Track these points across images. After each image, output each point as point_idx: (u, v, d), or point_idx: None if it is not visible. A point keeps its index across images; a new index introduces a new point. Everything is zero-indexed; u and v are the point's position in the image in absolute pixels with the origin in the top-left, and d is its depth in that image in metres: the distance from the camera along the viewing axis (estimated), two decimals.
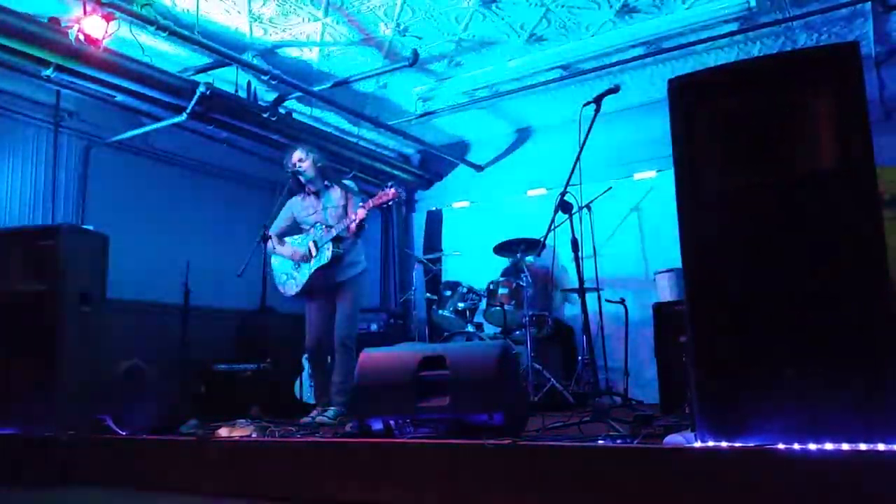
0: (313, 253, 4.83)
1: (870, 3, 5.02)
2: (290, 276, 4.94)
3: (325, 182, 4.99)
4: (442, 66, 6.07)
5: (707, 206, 2.56)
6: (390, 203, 4.80)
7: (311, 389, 5.57)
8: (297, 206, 5.06)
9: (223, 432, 3.68)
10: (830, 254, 2.34)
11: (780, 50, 5.69)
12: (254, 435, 3.63)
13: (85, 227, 4.86)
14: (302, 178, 4.93)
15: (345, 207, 4.86)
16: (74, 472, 3.68)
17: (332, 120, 7.04)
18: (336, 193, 4.94)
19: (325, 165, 5.03)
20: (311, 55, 5.74)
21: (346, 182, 5.05)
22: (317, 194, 5.01)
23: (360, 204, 4.72)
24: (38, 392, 3.95)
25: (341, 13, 5.11)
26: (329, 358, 4.95)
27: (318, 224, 4.88)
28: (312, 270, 4.81)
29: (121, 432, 3.85)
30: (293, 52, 5.70)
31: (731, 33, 5.45)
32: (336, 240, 4.78)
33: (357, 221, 4.67)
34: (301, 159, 4.94)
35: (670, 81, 2.69)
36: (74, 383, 4.03)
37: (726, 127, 2.61)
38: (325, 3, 4.97)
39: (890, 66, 5.64)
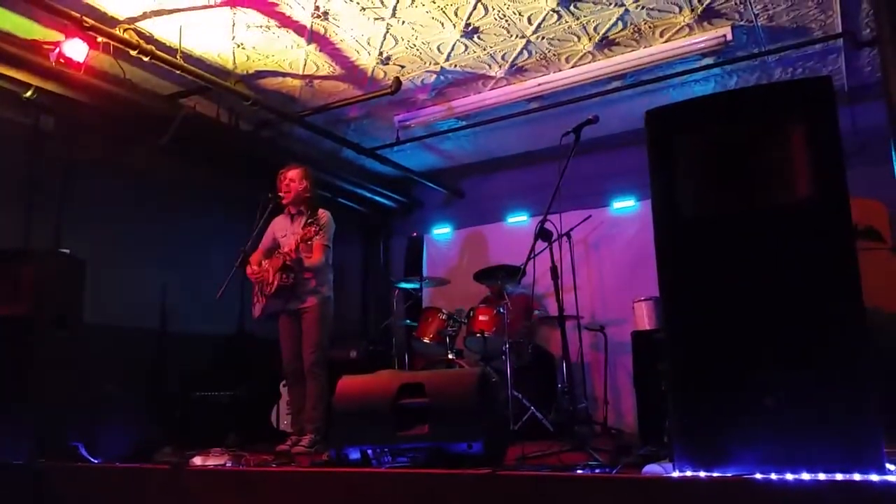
0: (268, 279, 4.78)
1: (841, 39, 5.15)
2: (258, 297, 4.89)
3: (303, 207, 4.96)
4: (424, 94, 6.11)
5: (684, 235, 2.59)
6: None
7: (287, 417, 5.50)
8: (278, 226, 5.05)
9: (197, 461, 3.63)
10: (807, 284, 2.37)
11: (756, 83, 5.80)
12: (228, 464, 3.58)
13: (62, 250, 4.80)
14: (285, 199, 4.92)
15: (308, 240, 4.69)
16: (46, 500, 3.60)
17: (314, 145, 7.05)
18: (306, 221, 4.83)
19: (312, 193, 5.01)
20: (293, 81, 5.76)
21: (322, 214, 4.91)
22: (293, 217, 4.99)
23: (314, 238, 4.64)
24: (11, 418, 3.87)
25: (324, 41, 5.14)
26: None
27: (283, 249, 4.81)
28: (267, 297, 4.78)
29: (94, 460, 3.78)
30: (276, 79, 5.71)
31: (708, 66, 5.56)
32: (285, 269, 4.72)
33: (305, 257, 4.64)
34: (293, 179, 4.93)
35: (648, 113, 2.74)
36: (48, 409, 3.96)
37: (703, 158, 2.65)
38: (308, 32, 5.00)
39: (862, 101, 5.76)
